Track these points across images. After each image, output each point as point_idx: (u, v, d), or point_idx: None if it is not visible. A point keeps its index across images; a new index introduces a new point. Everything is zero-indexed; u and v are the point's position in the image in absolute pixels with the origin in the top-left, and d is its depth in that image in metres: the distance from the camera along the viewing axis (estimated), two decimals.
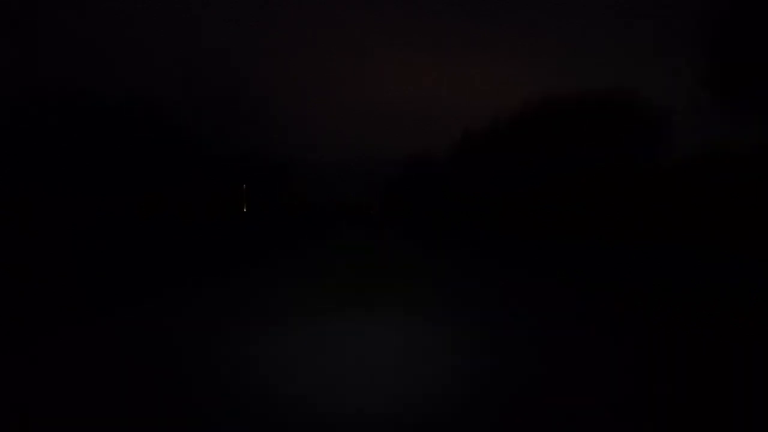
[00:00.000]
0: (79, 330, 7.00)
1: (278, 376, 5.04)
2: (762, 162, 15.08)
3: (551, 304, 8.46)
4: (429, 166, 47.77)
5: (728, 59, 15.86)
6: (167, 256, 16.57)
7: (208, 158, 28.70)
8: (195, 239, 21.90)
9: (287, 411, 4.21)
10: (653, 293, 9.06)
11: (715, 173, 16.03)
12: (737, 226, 13.81)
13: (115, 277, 12.33)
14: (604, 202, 20.12)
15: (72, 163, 21.40)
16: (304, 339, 6.38)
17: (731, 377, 4.90)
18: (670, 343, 6.05)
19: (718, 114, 16.74)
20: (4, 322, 7.59)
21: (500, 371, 5.16)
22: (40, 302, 9.12)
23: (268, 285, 10.91)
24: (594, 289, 9.78)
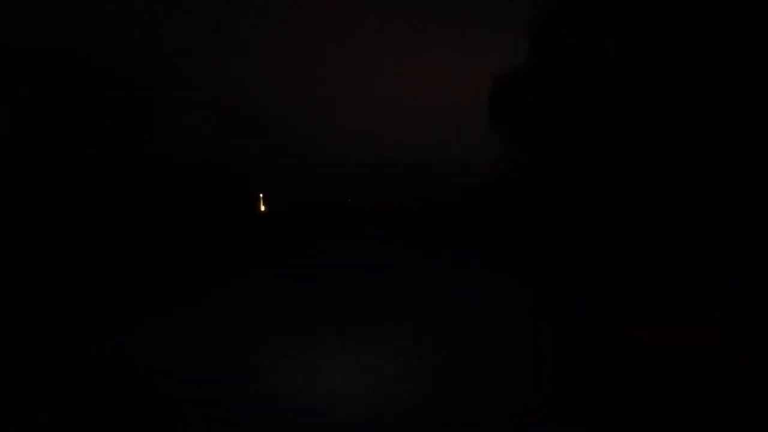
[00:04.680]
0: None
1: (291, 388, 5.01)
2: None
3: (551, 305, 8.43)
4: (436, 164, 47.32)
5: None
6: (178, 260, 16.20)
7: (221, 158, 28.25)
8: (210, 243, 21.41)
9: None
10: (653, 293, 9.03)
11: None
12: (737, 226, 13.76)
13: (125, 282, 11.99)
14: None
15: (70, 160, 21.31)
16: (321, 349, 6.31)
17: (731, 377, 4.89)
18: (669, 343, 6.04)
19: None
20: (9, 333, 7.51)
21: (498, 371, 5.15)
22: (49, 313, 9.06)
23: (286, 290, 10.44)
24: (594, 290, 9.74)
